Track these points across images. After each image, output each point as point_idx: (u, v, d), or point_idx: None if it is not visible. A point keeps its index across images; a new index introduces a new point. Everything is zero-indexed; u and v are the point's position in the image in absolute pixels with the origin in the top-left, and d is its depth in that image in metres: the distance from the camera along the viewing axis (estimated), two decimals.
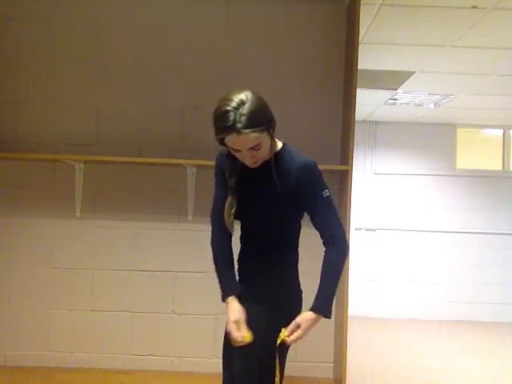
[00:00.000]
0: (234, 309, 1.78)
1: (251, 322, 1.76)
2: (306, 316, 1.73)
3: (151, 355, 3.53)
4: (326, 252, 1.76)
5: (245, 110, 1.60)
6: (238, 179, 1.78)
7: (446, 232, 6.64)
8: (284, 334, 1.74)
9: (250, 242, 1.86)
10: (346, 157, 3.23)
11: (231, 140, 1.62)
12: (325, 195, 1.78)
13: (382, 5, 3.24)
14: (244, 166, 1.77)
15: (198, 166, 3.38)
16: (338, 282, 1.76)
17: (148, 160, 3.38)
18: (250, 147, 1.64)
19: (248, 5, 3.53)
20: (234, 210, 1.78)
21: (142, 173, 3.52)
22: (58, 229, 3.53)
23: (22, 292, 3.52)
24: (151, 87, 3.53)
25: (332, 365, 3.49)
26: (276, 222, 1.80)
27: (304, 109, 3.49)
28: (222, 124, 1.60)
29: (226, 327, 1.82)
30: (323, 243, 1.77)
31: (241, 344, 1.74)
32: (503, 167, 6.81)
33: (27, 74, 3.54)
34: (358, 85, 3.17)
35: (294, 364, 3.49)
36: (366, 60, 4.03)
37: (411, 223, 6.68)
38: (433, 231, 6.66)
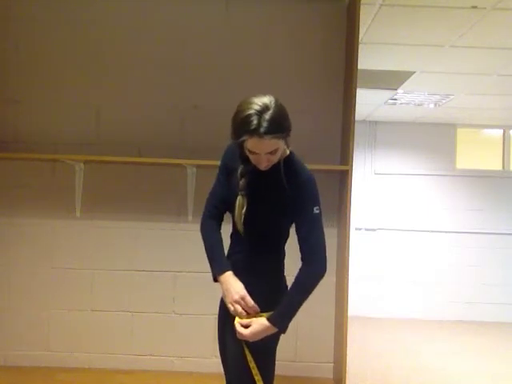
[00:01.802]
0: (236, 283, 1.77)
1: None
2: (260, 320, 1.73)
3: (151, 355, 3.53)
4: (301, 268, 1.78)
5: (268, 115, 1.62)
6: (248, 180, 1.79)
7: (446, 232, 6.64)
8: (237, 320, 1.74)
9: (242, 240, 1.86)
10: (346, 157, 3.23)
11: (252, 143, 1.64)
12: (315, 211, 1.80)
13: (382, 5, 3.24)
14: (253, 168, 1.78)
15: (198, 166, 3.38)
16: (303, 302, 1.76)
17: (148, 160, 3.38)
18: (268, 152, 1.67)
19: (248, 5, 3.53)
20: (244, 210, 1.78)
21: (142, 173, 3.52)
22: (58, 229, 3.53)
23: (22, 292, 3.52)
24: (151, 87, 3.53)
25: (332, 365, 3.49)
26: (275, 224, 1.83)
27: (304, 109, 3.48)
28: (245, 127, 1.61)
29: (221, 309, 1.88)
30: (301, 258, 1.79)
31: (251, 317, 1.73)
32: (503, 167, 6.81)
33: (27, 74, 3.54)
34: (358, 85, 3.17)
35: (294, 364, 3.51)
36: (366, 60, 4.03)
37: (411, 223, 6.68)
38: (433, 231, 6.66)
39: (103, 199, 3.53)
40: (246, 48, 3.52)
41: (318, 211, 1.80)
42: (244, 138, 1.63)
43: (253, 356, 1.75)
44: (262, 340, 1.73)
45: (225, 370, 1.94)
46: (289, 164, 1.82)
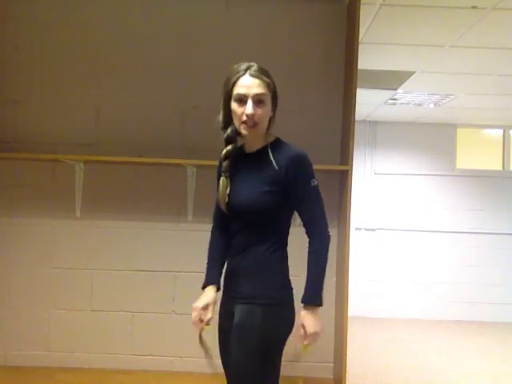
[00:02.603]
0: (208, 295, 1.89)
1: (245, 323, 1.76)
2: (302, 316, 1.77)
3: (151, 355, 3.53)
4: (310, 242, 1.82)
5: (254, 65, 1.83)
6: (232, 162, 1.84)
7: (446, 232, 6.64)
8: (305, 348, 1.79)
9: (238, 237, 1.85)
10: (346, 157, 3.23)
11: (242, 82, 1.76)
12: (313, 184, 1.82)
13: (382, 5, 3.24)
14: (240, 154, 1.86)
15: (198, 166, 3.38)
16: (325, 271, 1.83)
17: (148, 160, 3.38)
18: (257, 93, 1.75)
19: (248, 5, 3.53)
20: (228, 190, 1.82)
21: (142, 173, 3.52)
22: (58, 229, 3.53)
23: (22, 292, 3.52)
24: (151, 87, 3.53)
25: (332, 365, 3.49)
26: (268, 210, 1.79)
27: (304, 109, 3.48)
28: (236, 71, 1.79)
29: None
30: (306, 232, 1.84)
31: (202, 330, 1.81)
32: (503, 167, 6.81)
33: (27, 74, 3.54)
34: (358, 85, 3.17)
35: (294, 364, 3.51)
36: (366, 60, 4.03)
37: (411, 223, 6.68)
38: (433, 231, 6.66)
39: (103, 199, 3.53)
40: (246, 48, 3.52)
41: (315, 183, 1.83)
42: (234, 79, 1.77)
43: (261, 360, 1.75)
44: (267, 343, 1.75)
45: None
46: (276, 145, 1.85)
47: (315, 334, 1.76)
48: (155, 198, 3.52)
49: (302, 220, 1.84)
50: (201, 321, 1.86)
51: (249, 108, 1.74)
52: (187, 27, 3.54)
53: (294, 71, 3.51)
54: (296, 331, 1.79)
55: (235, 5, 3.53)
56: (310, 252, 1.81)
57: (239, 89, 1.76)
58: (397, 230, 6.68)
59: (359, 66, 3.17)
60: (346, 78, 3.42)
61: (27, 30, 3.53)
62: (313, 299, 1.79)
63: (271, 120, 1.84)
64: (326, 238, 1.83)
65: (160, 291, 3.53)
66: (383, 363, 4.46)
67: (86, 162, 3.43)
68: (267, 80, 1.80)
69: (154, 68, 3.53)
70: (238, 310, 1.79)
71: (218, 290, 1.92)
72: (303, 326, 1.76)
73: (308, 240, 1.82)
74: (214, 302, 1.88)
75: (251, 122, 1.76)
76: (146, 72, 3.53)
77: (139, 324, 3.53)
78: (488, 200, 6.67)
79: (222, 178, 1.84)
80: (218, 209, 1.93)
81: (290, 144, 1.87)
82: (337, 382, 3.31)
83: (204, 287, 1.93)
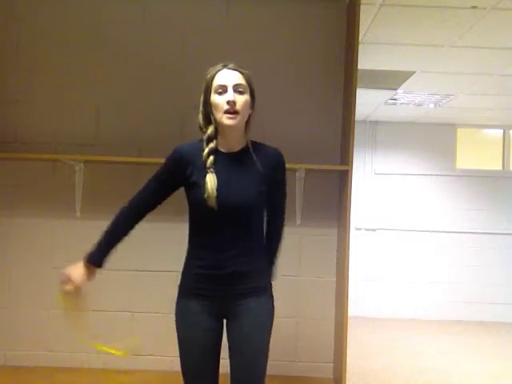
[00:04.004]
0: (81, 271, 2.04)
1: (262, 313, 1.91)
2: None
3: (151, 355, 3.53)
4: (274, 226, 2.05)
5: (232, 63, 1.90)
6: (215, 160, 1.86)
7: (446, 232, 6.65)
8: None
9: (226, 235, 1.88)
10: (346, 157, 3.23)
11: (220, 76, 1.84)
12: (286, 181, 2.02)
13: (381, 5, 3.24)
14: (222, 155, 1.88)
15: None
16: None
17: (148, 160, 3.38)
18: (237, 83, 1.83)
19: (248, 5, 3.53)
20: (216, 185, 1.82)
21: (142, 173, 3.50)
22: (58, 229, 3.52)
23: (22, 292, 3.52)
24: (151, 87, 3.53)
25: (332, 364, 3.49)
26: (254, 205, 1.88)
27: (304, 109, 3.48)
28: (213, 68, 1.87)
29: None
30: (270, 220, 2.03)
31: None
32: (503, 167, 6.81)
33: (27, 73, 3.53)
34: (358, 85, 3.16)
35: (294, 364, 3.51)
36: (366, 60, 4.03)
37: (411, 223, 6.68)
38: (433, 231, 6.66)
39: (103, 199, 3.53)
40: (246, 48, 3.52)
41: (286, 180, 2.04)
42: (213, 73, 1.85)
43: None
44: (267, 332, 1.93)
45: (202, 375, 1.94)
46: (255, 146, 1.93)
47: None
48: None
49: (272, 210, 2.01)
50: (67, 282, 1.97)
51: (230, 95, 1.81)
52: (187, 27, 3.54)
53: (294, 71, 3.51)
54: None
55: (235, 5, 3.53)
56: (275, 234, 2.06)
57: (219, 80, 1.84)
58: (397, 229, 6.69)
59: (359, 66, 3.17)
60: (346, 77, 3.42)
61: (27, 30, 3.53)
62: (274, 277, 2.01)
63: (249, 119, 1.90)
64: (283, 227, 2.10)
65: (160, 291, 3.52)
66: (383, 363, 4.46)
67: (86, 162, 3.42)
68: (245, 73, 1.88)
69: (154, 68, 3.53)
70: (250, 304, 1.88)
71: (98, 265, 2.05)
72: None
73: (273, 222, 2.05)
74: (80, 281, 2.01)
75: (232, 109, 1.80)
76: (147, 72, 3.53)
77: (139, 324, 3.53)
78: (488, 200, 6.67)
79: (209, 174, 1.83)
80: (149, 197, 2.05)
81: (262, 143, 1.98)
82: (337, 381, 3.31)
83: (85, 259, 2.05)
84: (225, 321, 1.95)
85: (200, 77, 3.54)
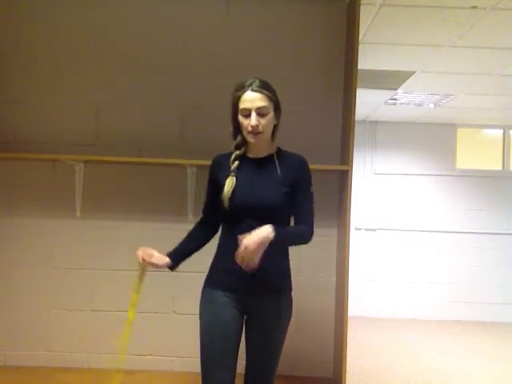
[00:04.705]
0: (164, 258, 2.17)
1: (282, 310, 2.06)
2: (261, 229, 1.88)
3: (151, 355, 3.53)
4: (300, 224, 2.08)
5: (258, 78, 2.02)
6: (240, 165, 2.04)
7: (446, 232, 6.64)
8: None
9: (247, 231, 1.90)
10: (346, 157, 3.23)
11: (246, 97, 1.96)
12: (311, 190, 2.09)
13: (381, 5, 3.24)
14: (247, 161, 2.06)
15: (198, 166, 3.38)
16: (291, 242, 2.09)
17: (148, 160, 3.38)
18: (259, 106, 1.95)
19: (248, 5, 3.53)
20: (233, 187, 1.99)
21: (142, 173, 3.52)
22: (58, 229, 3.53)
23: (22, 292, 3.52)
24: (151, 87, 3.53)
25: (332, 365, 3.49)
26: (274, 204, 2.01)
27: (304, 109, 3.48)
28: (240, 86, 1.99)
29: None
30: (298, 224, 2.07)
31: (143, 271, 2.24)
32: (503, 167, 6.81)
33: (27, 74, 3.53)
34: (358, 85, 3.16)
35: (294, 364, 3.50)
36: (366, 60, 4.03)
37: (411, 223, 6.68)
38: (433, 231, 6.66)
39: (103, 199, 3.53)
40: (246, 48, 3.52)
41: (312, 189, 2.10)
42: (240, 93, 1.97)
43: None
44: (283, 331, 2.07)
45: (222, 365, 2.04)
46: (282, 153, 2.11)
47: (248, 245, 1.81)
48: (155, 197, 3.52)
49: (295, 216, 2.07)
50: (144, 260, 2.16)
51: (253, 120, 1.96)
52: (187, 27, 3.54)
53: (294, 71, 3.52)
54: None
55: (235, 5, 3.53)
56: (297, 226, 2.06)
57: (243, 104, 1.97)
58: (397, 229, 6.68)
59: (359, 66, 3.17)
60: (346, 77, 3.42)
61: (27, 30, 3.53)
62: (278, 237, 1.87)
63: (276, 128, 2.07)
64: (310, 235, 2.05)
65: (160, 291, 3.52)
66: (383, 363, 4.46)
67: (86, 162, 3.43)
68: (268, 93, 1.99)
69: (155, 68, 3.53)
70: (270, 303, 2.03)
71: (175, 264, 2.18)
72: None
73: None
74: (161, 263, 2.16)
75: (256, 131, 1.97)
76: (147, 72, 3.53)
77: (139, 324, 3.53)
78: (488, 200, 6.67)
79: (229, 178, 2.01)
80: (210, 206, 2.16)
81: (289, 151, 2.14)
82: (337, 381, 3.31)
83: (168, 254, 2.17)
84: (245, 317, 2.07)
85: (200, 77, 3.57)
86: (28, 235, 3.52)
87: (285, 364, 3.58)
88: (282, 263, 2.08)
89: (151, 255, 2.15)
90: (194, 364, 3.52)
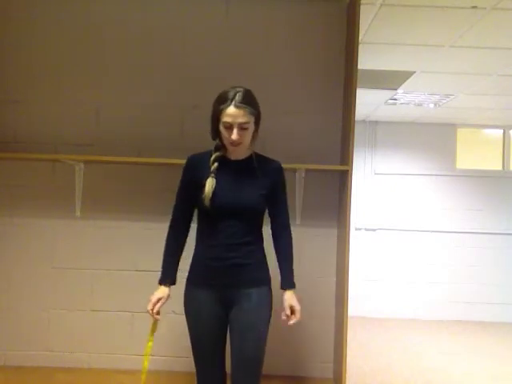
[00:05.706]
0: (164, 291, 2.26)
1: (262, 302, 2.15)
2: (289, 298, 2.17)
3: (151, 355, 3.52)
4: (280, 236, 2.24)
5: (241, 91, 2.05)
6: (219, 166, 2.13)
7: (446, 232, 6.65)
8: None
9: (227, 232, 2.11)
10: (346, 157, 3.23)
11: (228, 112, 2.01)
12: (286, 192, 2.28)
13: (382, 5, 3.24)
14: (226, 162, 2.15)
15: None
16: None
17: (148, 160, 3.38)
18: (241, 122, 2.02)
19: (248, 5, 3.53)
20: (213, 188, 2.08)
21: (142, 173, 3.52)
22: (58, 229, 3.53)
23: (22, 292, 3.52)
24: (151, 87, 3.53)
25: (332, 365, 3.49)
26: (263, 209, 2.19)
27: (304, 109, 3.48)
28: (223, 99, 2.03)
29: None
30: (275, 228, 2.25)
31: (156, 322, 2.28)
32: (503, 167, 6.81)
33: (27, 73, 3.54)
34: (358, 85, 3.16)
35: (294, 364, 3.51)
36: (366, 60, 4.03)
37: (411, 223, 6.68)
38: (433, 231, 6.66)
39: (103, 199, 3.53)
40: (246, 48, 3.52)
41: (286, 191, 2.28)
42: (222, 107, 2.01)
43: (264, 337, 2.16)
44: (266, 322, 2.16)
45: (213, 365, 2.20)
46: (260, 158, 2.22)
47: (300, 311, 2.14)
48: (155, 198, 3.52)
49: (277, 217, 2.25)
50: (155, 313, 2.23)
51: (234, 135, 2.04)
52: (187, 27, 3.54)
53: (294, 71, 3.52)
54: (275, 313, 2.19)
55: (235, 5, 3.53)
56: (287, 243, 2.25)
57: (226, 117, 2.03)
58: (397, 229, 6.69)
59: (359, 66, 3.17)
60: (346, 77, 3.42)
61: (27, 30, 3.53)
62: (293, 284, 2.22)
63: (254, 135, 2.15)
64: (291, 233, 2.29)
65: None
66: (383, 363, 4.46)
67: (86, 162, 3.43)
68: (250, 109, 2.04)
69: (154, 68, 3.53)
70: (251, 294, 2.12)
71: (173, 284, 2.27)
72: (292, 306, 2.15)
73: (278, 232, 2.26)
74: (166, 298, 2.26)
75: (236, 143, 2.07)
76: (146, 72, 3.53)
77: (139, 324, 3.53)
78: (488, 200, 6.67)
79: (209, 179, 2.09)
80: (183, 206, 2.25)
81: (265, 155, 2.26)
82: (337, 381, 3.31)
83: (161, 283, 2.26)
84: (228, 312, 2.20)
85: (200, 77, 3.57)
86: (28, 235, 3.52)
87: (285, 364, 3.59)
88: (257, 256, 2.19)
89: (158, 303, 2.26)
90: (194, 364, 3.53)
